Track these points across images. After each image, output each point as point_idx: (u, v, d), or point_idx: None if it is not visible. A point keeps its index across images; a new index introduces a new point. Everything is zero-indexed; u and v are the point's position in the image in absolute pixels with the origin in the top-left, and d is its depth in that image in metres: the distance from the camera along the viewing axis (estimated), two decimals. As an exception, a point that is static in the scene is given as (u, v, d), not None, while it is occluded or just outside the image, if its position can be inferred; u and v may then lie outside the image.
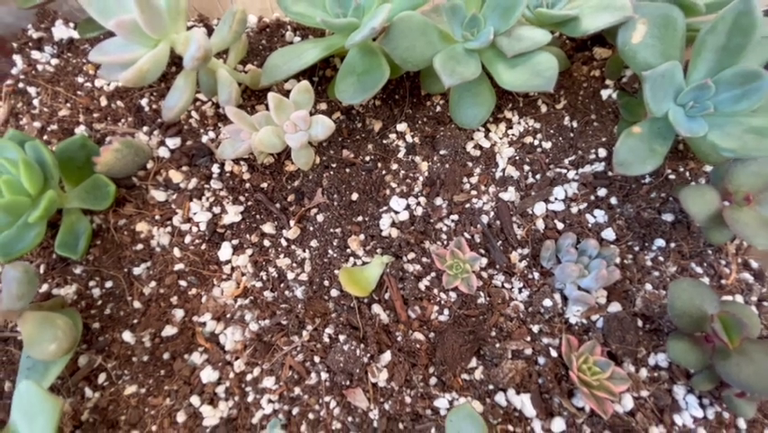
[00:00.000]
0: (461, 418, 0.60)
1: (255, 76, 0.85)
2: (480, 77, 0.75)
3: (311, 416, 0.70)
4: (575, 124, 0.91)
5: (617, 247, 0.80)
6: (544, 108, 0.93)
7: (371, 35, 0.68)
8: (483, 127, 0.91)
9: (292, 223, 0.83)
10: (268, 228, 0.83)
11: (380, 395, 0.71)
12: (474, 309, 0.77)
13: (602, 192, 0.85)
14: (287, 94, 0.79)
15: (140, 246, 0.82)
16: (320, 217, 0.83)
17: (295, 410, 0.70)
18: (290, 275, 0.80)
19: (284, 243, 0.82)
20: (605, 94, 0.92)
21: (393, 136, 0.90)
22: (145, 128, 0.90)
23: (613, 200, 0.84)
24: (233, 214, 0.83)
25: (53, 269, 0.80)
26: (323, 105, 0.92)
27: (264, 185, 0.86)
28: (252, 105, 0.91)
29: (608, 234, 0.81)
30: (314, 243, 0.82)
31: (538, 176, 0.87)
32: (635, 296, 0.77)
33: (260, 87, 0.82)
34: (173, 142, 0.88)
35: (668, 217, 0.81)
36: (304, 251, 0.82)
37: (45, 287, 0.79)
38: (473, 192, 0.86)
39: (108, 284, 0.80)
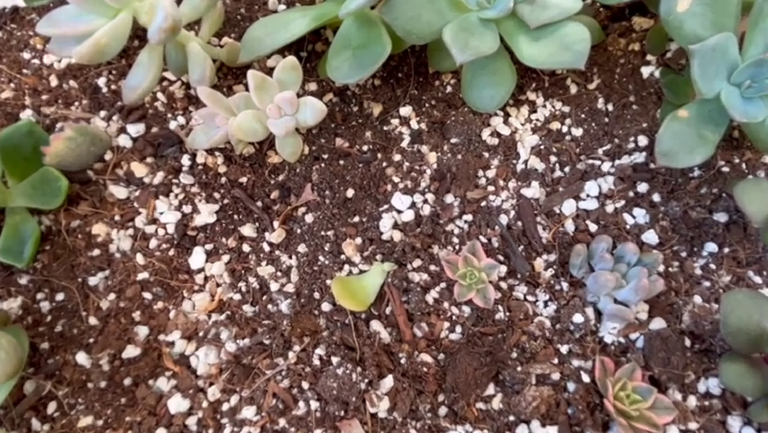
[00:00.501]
0: (475, 453, 0.61)
1: (233, 51, 0.87)
2: (498, 51, 0.76)
3: (299, 452, 0.71)
4: (611, 108, 0.93)
5: (661, 253, 0.81)
6: (573, 89, 0.94)
7: (370, 3, 0.70)
8: (502, 111, 0.92)
9: (276, 224, 0.84)
10: (247, 231, 0.84)
11: (381, 428, 0.72)
12: (491, 326, 0.78)
13: (643, 188, 0.86)
14: (270, 72, 0.80)
15: (96, 252, 0.83)
16: (309, 218, 0.84)
17: (279, 445, 0.71)
18: (274, 286, 0.81)
19: (266, 248, 0.84)
20: (646, 71, 0.93)
21: (395, 122, 0.92)
22: (103, 113, 0.91)
23: (655, 197, 0.85)
24: (206, 214, 0.84)
25: (-6, 279, 0.82)
26: (312, 86, 0.94)
27: (243, 180, 0.87)
28: (229, 86, 0.93)
29: (650, 237, 0.82)
30: (302, 248, 0.83)
31: (567, 168, 0.89)
32: (682, 310, 0.78)
33: (239, 63, 0.84)
34: (136, 130, 0.89)
35: (721, 217, 0.83)
36: (290, 257, 0.83)
37: (-15, 300, 0.80)
38: (490, 188, 0.87)
39: (59, 297, 0.81)
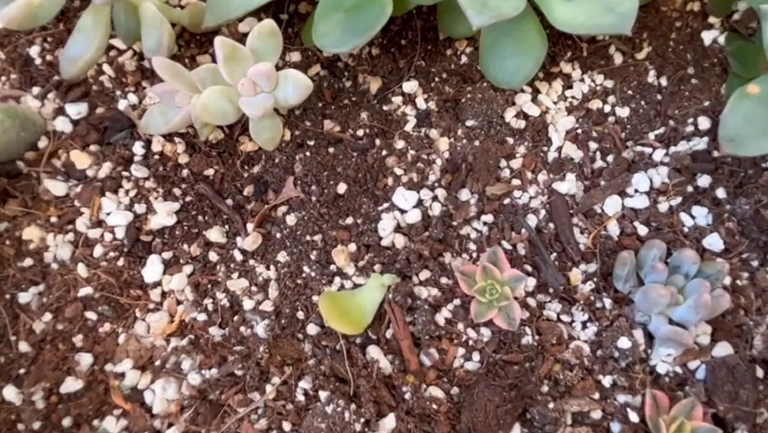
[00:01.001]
0: None
1: (196, 13, 0.86)
2: (525, 13, 0.75)
3: (279, 509, 0.71)
4: (664, 82, 0.92)
5: (727, 261, 0.81)
6: (618, 59, 0.94)
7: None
8: (529, 87, 0.91)
9: (250, 227, 0.83)
10: (215, 235, 0.84)
11: (380, 479, 0.72)
12: (517, 353, 0.78)
13: (704, 181, 0.85)
14: (243, 39, 0.79)
15: (28, 262, 0.82)
16: (291, 219, 0.84)
17: (255, 501, 0.71)
18: (248, 304, 0.80)
19: (238, 256, 0.83)
20: (707, 37, 0.93)
21: (398, 100, 0.91)
22: (36, 89, 0.90)
23: (720, 193, 0.85)
24: (163, 214, 0.84)
25: None
26: (295, 56, 0.93)
27: (210, 172, 0.87)
28: (193, 56, 0.92)
29: (714, 241, 0.82)
30: (282, 256, 0.83)
31: (610, 158, 0.88)
32: (753, 333, 0.78)
33: (204, 28, 0.83)
34: (77, 110, 0.89)
35: (801, 218, 0.82)
36: (267, 268, 0.82)
37: None
38: (515, 182, 0.86)
39: (-18, 317, 0.80)
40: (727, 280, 0.80)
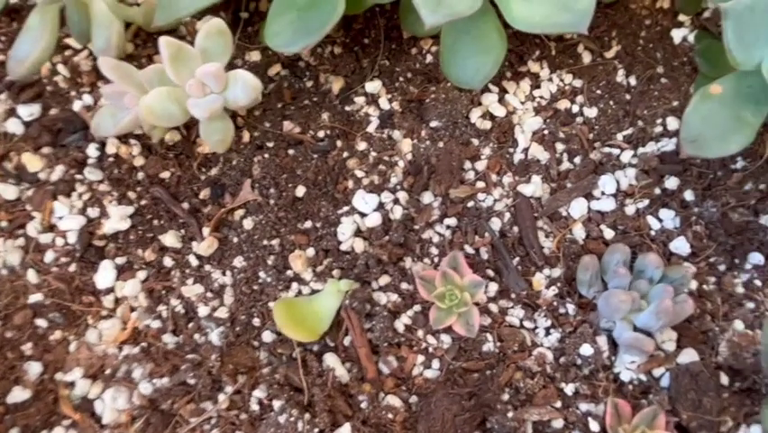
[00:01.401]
0: None
1: (150, 11, 0.84)
2: (484, 11, 0.74)
3: None
4: (633, 82, 0.91)
5: (693, 265, 0.80)
6: (587, 57, 0.92)
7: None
8: (496, 86, 0.90)
9: (206, 231, 0.82)
10: (170, 240, 0.82)
11: (334, 491, 0.71)
12: (477, 361, 0.76)
13: (672, 183, 0.84)
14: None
15: (-23, 268, 0.81)
16: (248, 223, 0.83)
17: None
18: (203, 310, 0.79)
19: (194, 261, 0.82)
20: (677, 35, 0.92)
21: (361, 101, 0.90)
22: (-13, 90, 0.89)
23: (688, 195, 0.84)
24: (117, 218, 0.82)
25: None
26: (255, 55, 0.92)
27: (165, 175, 0.85)
28: (149, 56, 0.91)
29: (680, 245, 0.81)
30: (238, 261, 0.81)
31: (577, 159, 0.87)
32: (719, 339, 0.77)
33: (154, 27, 0.81)
34: (29, 112, 0.87)
35: (769, 221, 0.81)
36: (223, 273, 0.81)
37: None
38: (479, 184, 0.85)
39: (-72, 325, 0.79)
40: (694, 285, 0.79)
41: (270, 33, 0.74)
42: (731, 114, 0.70)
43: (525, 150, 0.87)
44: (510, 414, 0.73)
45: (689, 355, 0.76)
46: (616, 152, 0.87)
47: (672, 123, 0.87)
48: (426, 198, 0.84)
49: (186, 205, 0.84)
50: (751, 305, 0.79)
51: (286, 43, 0.73)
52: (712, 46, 0.84)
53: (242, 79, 0.72)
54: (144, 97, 0.69)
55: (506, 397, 0.75)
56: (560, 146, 0.87)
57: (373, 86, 0.90)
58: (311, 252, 0.82)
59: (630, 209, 0.83)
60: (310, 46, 0.73)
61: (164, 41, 0.68)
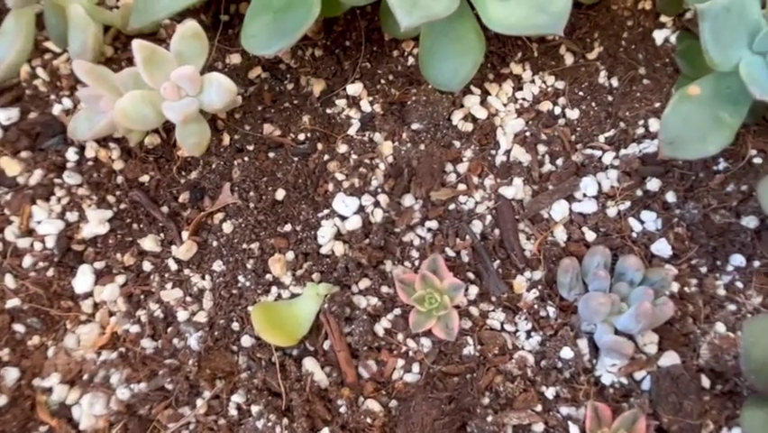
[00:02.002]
0: None
1: (128, 14, 0.84)
2: (462, 13, 0.74)
3: None
4: (615, 83, 0.91)
5: (675, 268, 0.80)
6: (569, 59, 0.92)
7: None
8: (479, 89, 0.90)
9: (185, 235, 0.82)
10: (149, 244, 0.82)
11: (312, 496, 0.71)
12: (457, 364, 0.76)
13: (654, 185, 0.84)
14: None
15: (-46, 273, 0.81)
16: (227, 226, 0.83)
17: None
18: (182, 315, 0.79)
19: (173, 266, 0.82)
20: (659, 36, 0.92)
21: (342, 103, 0.90)
22: (-34, 94, 0.89)
23: (670, 197, 0.84)
24: (96, 223, 0.82)
25: None
26: (235, 58, 0.92)
27: (145, 178, 0.85)
28: (129, 59, 0.90)
29: (662, 247, 0.81)
30: (217, 265, 0.81)
31: (559, 161, 0.87)
32: (700, 342, 0.77)
33: (130, 30, 0.82)
34: (7, 116, 0.87)
35: (750, 222, 0.81)
36: (202, 278, 0.81)
37: None
38: (461, 186, 0.85)
39: None
40: (675, 287, 0.79)
41: (247, 36, 0.74)
42: (710, 115, 0.70)
43: (507, 152, 0.87)
44: (490, 418, 0.73)
45: (670, 358, 0.76)
46: (597, 153, 0.87)
47: (654, 124, 0.87)
48: (407, 200, 0.84)
49: (165, 209, 0.84)
50: (732, 307, 0.79)
51: (262, 45, 0.73)
52: (693, 47, 0.84)
53: (218, 82, 0.72)
54: (119, 101, 0.69)
55: (486, 401, 0.75)
56: (542, 148, 0.87)
57: (354, 88, 0.90)
58: (290, 255, 0.82)
59: (612, 211, 0.83)
60: (286, 48, 0.73)
61: (137, 44, 0.68)
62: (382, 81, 0.91)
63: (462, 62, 0.79)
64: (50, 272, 0.81)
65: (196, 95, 0.73)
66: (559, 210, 0.84)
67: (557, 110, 0.90)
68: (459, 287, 0.76)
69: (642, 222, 0.83)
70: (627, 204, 0.84)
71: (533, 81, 0.92)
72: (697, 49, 0.83)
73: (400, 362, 0.77)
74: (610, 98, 0.90)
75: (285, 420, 0.72)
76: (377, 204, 0.84)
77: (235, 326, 0.79)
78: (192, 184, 0.85)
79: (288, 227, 0.83)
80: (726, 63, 0.68)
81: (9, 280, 0.80)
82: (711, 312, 0.79)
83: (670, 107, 0.71)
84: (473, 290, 0.80)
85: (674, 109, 0.71)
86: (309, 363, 0.77)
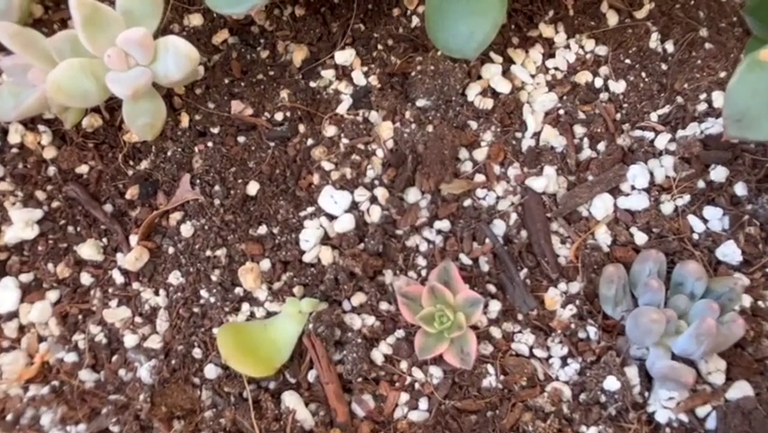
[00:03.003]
0: None
1: (63, -36, 0.86)
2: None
3: None
4: (670, 48, 0.92)
5: (746, 277, 0.81)
6: (613, 18, 0.94)
7: None
8: (500, 56, 0.92)
9: (134, 240, 0.83)
10: (88, 251, 0.83)
11: None
12: (476, 399, 0.77)
13: (719, 174, 0.86)
14: None
15: None
16: (187, 229, 0.84)
17: None
18: (130, 339, 0.80)
19: (119, 278, 0.83)
20: (725, -10, 0.94)
21: (329, 74, 0.91)
22: None
23: (739, 189, 0.85)
24: (22, 225, 0.83)
25: None
26: (196, 19, 0.93)
27: (84, 169, 0.87)
28: (63, 20, 0.92)
29: (730, 251, 0.82)
30: (175, 277, 0.82)
31: (601, 145, 0.88)
32: (778, 369, 0.78)
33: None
34: None
35: (840, 220, 0.83)
36: (156, 293, 0.82)
37: None
38: (479, 177, 0.86)
39: None
40: (747, 301, 0.80)
41: (211, -10, 0.76)
42: (786, 85, 0.72)
43: (536, 134, 0.88)
44: (517, 466, 0.74)
45: (741, 389, 0.77)
46: (649, 135, 0.88)
47: (718, 99, 0.88)
48: (411, 195, 0.85)
49: (108, 207, 0.86)
50: (818, 326, 0.80)
51: (227, 3, 0.75)
52: (766, 2, 0.86)
53: (174, 48, 0.73)
54: (52, 72, 0.71)
55: (511, 444, 0.76)
56: (579, 129, 0.89)
57: (345, 56, 0.91)
58: (266, 264, 0.83)
59: (667, 207, 0.85)
60: (259, 6, 0.74)
61: (76, 1, 0.70)
62: (379, 47, 0.92)
63: (480, 22, 0.81)
64: (-35, 287, 0.83)
65: (148, 64, 0.74)
66: (601, 206, 0.85)
67: (598, 82, 0.91)
68: (477, 302, 0.77)
69: (705, 220, 0.84)
70: (687, 198, 0.85)
71: (568, 46, 0.93)
72: (772, 5, 0.85)
73: (404, 396, 0.78)
74: (664, 67, 0.91)
75: (260, 470, 0.73)
76: (373, 200, 0.85)
77: (197, 352, 0.79)
78: (142, 176, 0.87)
79: (262, 230, 0.84)
80: (807, 21, 0.70)
81: None
82: (791, 332, 0.80)
83: (736, 77, 0.72)
84: (495, 307, 0.81)
85: (742, 79, 0.72)
86: (290, 399, 0.77)
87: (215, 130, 0.88)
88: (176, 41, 0.74)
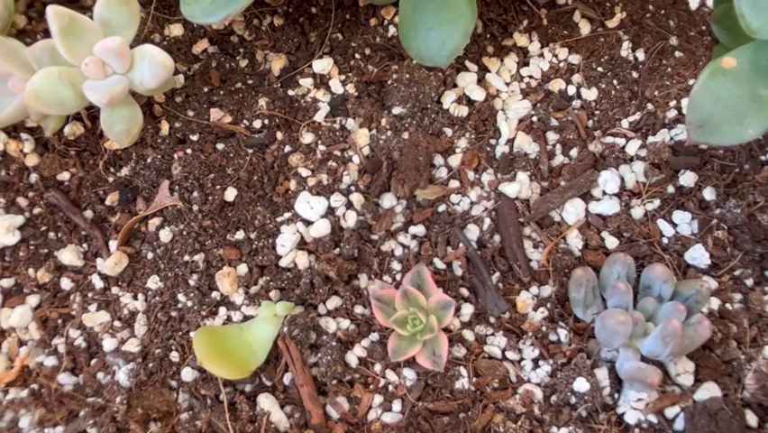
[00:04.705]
0: None
1: (44, -24, 0.87)
2: (449, -29, 0.77)
3: None
4: (641, 56, 0.93)
5: (714, 280, 0.82)
6: (585, 28, 0.95)
7: None
8: (475, 64, 0.93)
9: (113, 246, 0.84)
10: (68, 256, 0.84)
11: None
12: (449, 401, 0.78)
13: (688, 179, 0.86)
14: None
15: None
16: (165, 234, 0.85)
17: None
18: (108, 343, 0.81)
19: (98, 283, 0.84)
20: (693, 0, 0.95)
21: (307, 83, 0.92)
22: None
23: (708, 194, 0.86)
24: (3, 231, 0.84)
25: None
26: (176, 29, 0.94)
27: (65, 176, 0.87)
28: (45, 30, 0.93)
29: (698, 255, 0.83)
30: (153, 282, 0.83)
31: (573, 152, 0.89)
32: (745, 370, 0.78)
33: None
34: None
35: (805, 223, 0.84)
36: (135, 297, 0.83)
37: None
38: (453, 183, 0.87)
39: None
40: (714, 304, 0.81)
41: (186, 2, 0.76)
42: (747, 91, 0.72)
43: (510, 141, 0.89)
44: (488, 466, 0.75)
45: (708, 390, 0.78)
46: (620, 141, 0.89)
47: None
48: (387, 201, 0.86)
49: (89, 213, 0.86)
50: (785, 327, 0.81)
51: (205, 12, 0.75)
52: (732, 11, 0.86)
53: (150, 56, 0.74)
54: (31, 79, 0.71)
55: (483, 445, 0.76)
56: (552, 136, 0.90)
57: (322, 64, 0.92)
58: (243, 269, 0.83)
59: (637, 212, 0.86)
60: (236, 15, 0.75)
61: (52, 11, 0.70)
62: (357, 56, 0.93)
63: (450, 32, 0.81)
64: (-53, 292, 0.83)
65: (124, 72, 0.75)
66: (573, 211, 0.86)
67: (571, 90, 0.92)
68: (449, 305, 0.77)
69: (674, 224, 0.85)
70: (657, 203, 0.86)
71: (541, 55, 0.94)
72: (736, 13, 0.86)
73: (377, 398, 0.78)
74: (635, 75, 0.92)
75: (234, 471, 0.74)
76: (349, 205, 0.86)
77: (174, 356, 0.80)
78: (122, 183, 0.87)
79: (239, 235, 0.85)
80: (765, 30, 0.70)
81: None
82: (759, 334, 0.80)
83: (699, 83, 0.73)
84: (467, 310, 0.82)
85: (705, 85, 0.73)
86: (265, 401, 0.78)
87: (195, 137, 0.89)
88: (151, 50, 0.75)
